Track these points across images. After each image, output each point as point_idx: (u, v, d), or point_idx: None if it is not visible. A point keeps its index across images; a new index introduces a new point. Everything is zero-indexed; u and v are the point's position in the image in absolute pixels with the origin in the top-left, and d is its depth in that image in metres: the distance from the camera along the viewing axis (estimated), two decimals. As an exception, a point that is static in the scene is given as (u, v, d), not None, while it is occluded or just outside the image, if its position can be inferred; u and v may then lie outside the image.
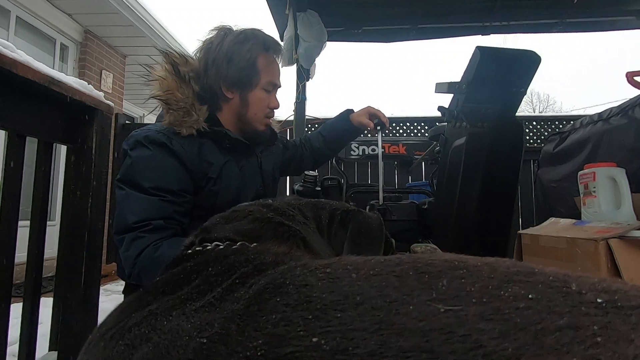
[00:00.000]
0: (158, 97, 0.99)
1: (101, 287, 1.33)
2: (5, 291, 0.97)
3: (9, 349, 0.97)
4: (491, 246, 1.47)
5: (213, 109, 1.05)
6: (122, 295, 1.10)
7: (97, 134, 1.23)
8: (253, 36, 1.06)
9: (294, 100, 2.92)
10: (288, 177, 3.43)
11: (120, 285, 2.81)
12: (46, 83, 1.00)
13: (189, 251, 0.49)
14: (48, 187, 1.17)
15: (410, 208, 1.78)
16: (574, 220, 1.14)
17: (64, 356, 1.14)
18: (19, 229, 1.01)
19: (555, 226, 1.17)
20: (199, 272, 0.42)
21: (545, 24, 3.07)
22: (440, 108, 1.55)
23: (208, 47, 1.05)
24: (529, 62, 1.43)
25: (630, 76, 1.38)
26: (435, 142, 1.88)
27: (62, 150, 1.76)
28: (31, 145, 1.05)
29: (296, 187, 1.99)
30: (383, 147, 2.08)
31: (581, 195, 1.18)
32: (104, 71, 4.26)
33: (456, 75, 1.49)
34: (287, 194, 3.42)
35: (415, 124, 4.26)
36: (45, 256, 1.14)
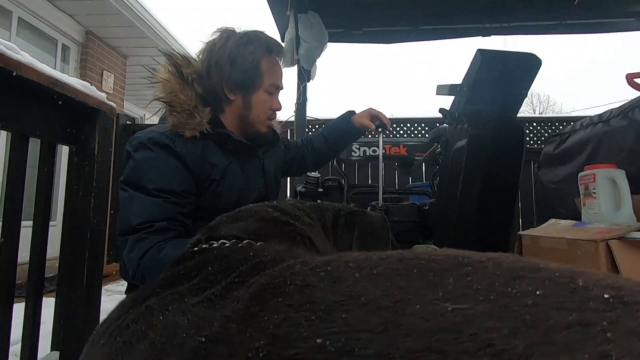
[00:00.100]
0: (161, 100, 0.99)
1: (103, 288, 1.33)
2: (8, 291, 0.97)
3: (11, 349, 0.98)
4: (492, 247, 1.46)
5: (216, 110, 1.06)
6: (125, 296, 1.10)
7: (100, 135, 1.24)
8: (256, 38, 1.06)
9: (295, 101, 2.93)
10: (289, 178, 3.44)
11: (121, 285, 2.82)
12: (50, 84, 1.00)
13: (195, 249, 0.50)
14: (51, 187, 1.18)
15: (411, 209, 1.78)
16: (574, 222, 1.14)
17: (66, 356, 1.14)
18: (21, 229, 1.02)
19: (556, 227, 1.17)
20: (200, 269, 0.43)
21: (546, 25, 3.07)
22: (441, 110, 1.55)
23: (211, 48, 1.05)
24: (529, 65, 1.44)
25: (630, 78, 1.39)
26: (436, 144, 1.88)
27: (64, 151, 1.76)
28: (34, 146, 1.06)
29: (298, 188, 1.99)
30: (384, 148, 2.08)
31: (581, 197, 1.18)
32: (105, 72, 4.27)
33: (457, 77, 1.50)
34: (289, 194, 3.42)
35: (416, 125, 4.26)
36: (48, 256, 1.14)
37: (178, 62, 1.02)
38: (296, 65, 2.83)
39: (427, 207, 1.76)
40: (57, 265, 1.22)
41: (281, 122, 1.36)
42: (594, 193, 1.12)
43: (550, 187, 1.68)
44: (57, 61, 3.85)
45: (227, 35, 1.06)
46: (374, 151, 2.26)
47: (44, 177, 1.14)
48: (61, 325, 1.18)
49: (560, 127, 4.08)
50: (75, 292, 1.18)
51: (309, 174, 1.88)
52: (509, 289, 0.27)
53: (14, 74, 0.88)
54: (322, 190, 1.97)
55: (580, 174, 1.20)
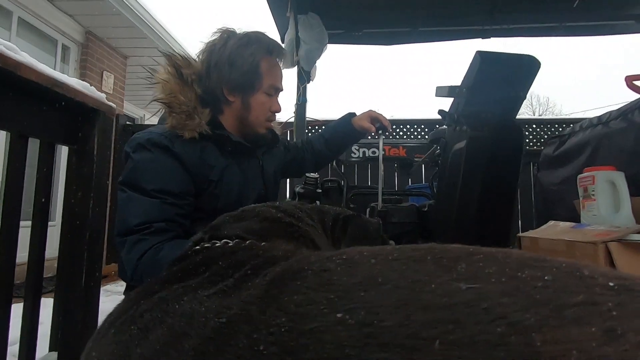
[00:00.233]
0: (161, 101, 0.99)
1: (101, 288, 1.33)
2: (6, 291, 0.97)
3: (9, 349, 0.98)
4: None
5: (215, 111, 1.05)
6: (124, 297, 1.10)
7: (99, 135, 1.24)
8: (256, 39, 1.06)
9: (295, 102, 2.93)
10: (289, 179, 3.44)
11: (120, 285, 2.81)
12: (49, 85, 1.00)
13: (197, 247, 0.50)
14: (49, 187, 1.17)
15: (410, 210, 1.78)
16: (573, 223, 1.14)
17: (64, 357, 1.14)
18: (20, 229, 1.01)
19: (555, 229, 1.17)
20: (208, 265, 0.43)
21: (545, 27, 3.08)
22: (440, 111, 1.55)
23: (211, 49, 1.05)
24: (529, 67, 1.44)
25: (629, 80, 1.39)
26: (435, 146, 1.88)
27: (63, 151, 1.76)
28: (33, 146, 1.06)
29: (297, 189, 1.99)
30: (383, 150, 2.08)
31: (580, 199, 1.18)
32: (105, 72, 4.27)
33: (456, 79, 1.50)
34: (288, 196, 3.42)
35: (416, 126, 4.27)
36: (47, 256, 1.14)
37: (178, 62, 1.02)
38: (296, 67, 2.83)
39: (426, 209, 1.76)
40: (55, 265, 1.21)
41: (281, 123, 1.36)
42: (593, 195, 1.12)
43: (549, 188, 1.69)
44: (57, 61, 3.85)
45: (227, 36, 1.06)
46: (374, 152, 2.26)
47: (43, 177, 1.14)
48: (60, 325, 1.17)
49: (560, 129, 4.08)
50: (74, 293, 1.17)
51: (307, 174, 1.88)
52: (519, 273, 0.28)
53: (13, 72, 0.88)
54: (320, 191, 1.97)
55: (580, 176, 1.20)
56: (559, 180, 1.61)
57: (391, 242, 0.74)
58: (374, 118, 1.36)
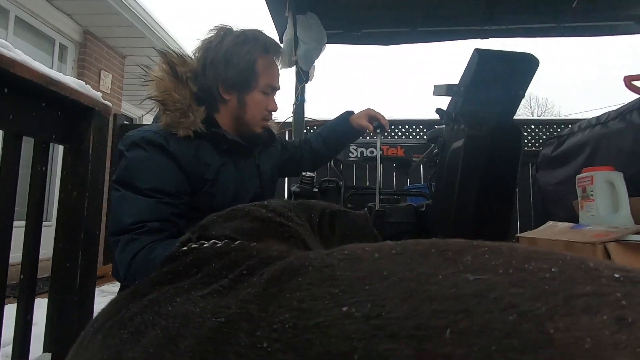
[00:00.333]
0: (154, 98, 0.98)
1: (98, 288, 1.32)
2: (0, 292, 0.96)
3: (2, 350, 0.97)
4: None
5: (210, 109, 1.04)
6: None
7: (95, 134, 1.23)
8: (253, 37, 1.05)
9: (293, 102, 2.92)
10: (286, 178, 3.43)
11: (116, 286, 2.80)
12: (44, 83, 0.99)
13: (184, 248, 0.48)
14: (44, 187, 1.16)
15: (408, 210, 1.77)
16: (571, 224, 1.14)
17: (59, 358, 1.13)
18: (14, 229, 1.00)
19: (553, 229, 1.17)
20: (200, 266, 0.42)
21: (544, 28, 3.08)
22: (438, 110, 1.55)
23: (207, 47, 1.04)
24: (527, 65, 1.43)
25: (628, 80, 1.38)
26: (433, 145, 1.88)
27: (59, 150, 1.75)
28: (28, 145, 1.05)
29: (293, 188, 1.98)
30: (381, 149, 2.08)
31: (579, 199, 1.18)
32: (102, 71, 4.25)
33: (455, 79, 1.50)
34: (285, 195, 3.42)
35: (414, 126, 4.27)
36: (41, 257, 1.13)
37: (173, 60, 1.01)
38: (294, 66, 2.83)
39: (424, 209, 1.75)
40: (50, 265, 1.20)
41: (279, 122, 1.35)
42: (592, 195, 1.12)
43: (548, 189, 1.68)
44: (55, 60, 3.84)
45: (223, 33, 1.05)
46: (372, 152, 2.26)
47: (37, 177, 1.13)
48: (54, 326, 1.16)
49: (559, 130, 4.08)
50: (69, 293, 1.16)
51: (303, 173, 1.88)
52: (526, 265, 0.28)
53: (6, 69, 0.87)
54: (317, 190, 1.97)
55: (578, 176, 1.19)
56: (558, 181, 1.61)
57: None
58: (372, 116, 1.36)
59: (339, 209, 0.65)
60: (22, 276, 1.08)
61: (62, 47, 3.93)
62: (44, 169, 1.14)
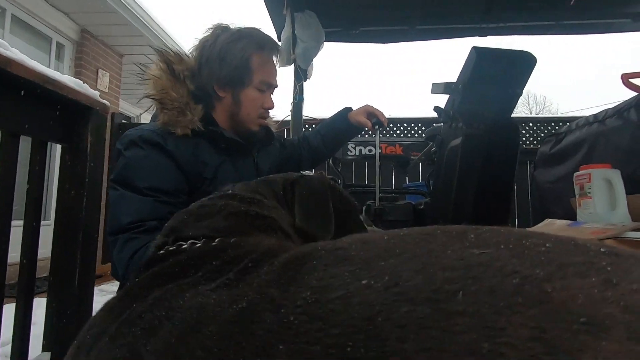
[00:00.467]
0: (152, 97, 0.98)
1: (96, 288, 1.32)
2: (-2, 291, 0.96)
3: (1, 350, 0.97)
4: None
5: (207, 108, 1.04)
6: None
7: (92, 133, 1.23)
8: (248, 35, 1.05)
9: (292, 101, 2.91)
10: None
11: (115, 285, 2.80)
12: (41, 82, 0.99)
13: (162, 252, 0.47)
14: (42, 186, 1.16)
15: (406, 208, 1.78)
16: (569, 221, 1.14)
17: (58, 357, 1.13)
18: (13, 228, 1.00)
19: (551, 227, 1.17)
20: (198, 266, 0.41)
21: (542, 25, 3.07)
22: (436, 108, 1.55)
23: (203, 45, 1.04)
24: (524, 62, 1.44)
25: (625, 78, 1.39)
26: (431, 143, 1.88)
27: (57, 150, 1.75)
28: (26, 144, 1.04)
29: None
30: (380, 147, 2.08)
31: (577, 197, 1.18)
32: (100, 70, 4.24)
33: (452, 77, 1.50)
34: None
35: (412, 124, 4.26)
36: (40, 256, 1.13)
37: (170, 58, 1.01)
38: (293, 65, 2.82)
39: (422, 207, 1.75)
40: (49, 265, 1.20)
41: (277, 121, 1.35)
42: (589, 193, 1.12)
43: (546, 187, 1.68)
44: (52, 59, 3.82)
45: (219, 31, 1.05)
46: (370, 150, 2.26)
47: (35, 176, 1.13)
48: (53, 326, 1.16)
49: (557, 128, 4.09)
50: (68, 293, 1.16)
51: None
52: (523, 242, 0.31)
53: (3, 68, 0.87)
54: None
55: (576, 174, 1.19)
56: (555, 179, 1.61)
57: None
58: (370, 113, 1.35)
59: (299, 176, 0.65)
60: (20, 276, 1.08)
61: (59, 46, 3.92)
62: (41, 168, 1.14)
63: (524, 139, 4.26)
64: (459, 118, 1.44)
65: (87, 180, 1.20)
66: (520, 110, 19.04)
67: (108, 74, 4.37)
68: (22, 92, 0.99)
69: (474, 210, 1.45)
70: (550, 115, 17.29)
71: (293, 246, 0.45)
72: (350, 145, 2.31)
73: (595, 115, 1.50)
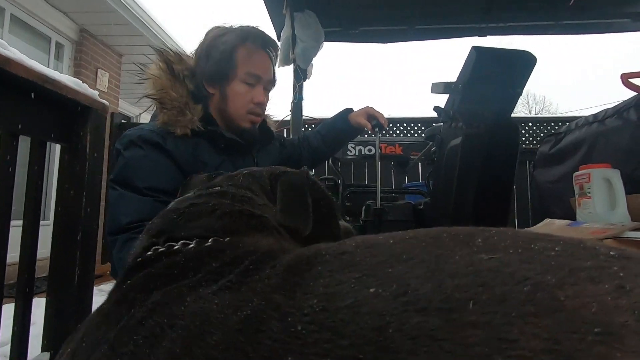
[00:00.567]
0: (151, 96, 0.98)
1: (96, 288, 1.32)
2: (-3, 291, 0.96)
3: (0, 350, 0.97)
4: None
5: (205, 107, 1.04)
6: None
7: (92, 132, 1.22)
8: (234, 29, 1.03)
9: (291, 100, 2.91)
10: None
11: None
12: (40, 81, 0.99)
13: (149, 253, 0.46)
14: (41, 186, 1.16)
15: (406, 208, 1.78)
16: (569, 221, 1.14)
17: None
18: (12, 228, 1.00)
19: (551, 227, 1.17)
20: (196, 267, 0.40)
21: (541, 25, 3.08)
22: (436, 108, 1.55)
23: (198, 44, 1.05)
24: (524, 62, 1.44)
25: (625, 78, 1.39)
26: (431, 143, 1.88)
27: (56, 149, 1.75)
28: (25, 144, 1.04)
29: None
30: (380, 148, 2.08)
31: (576, 196, 1.18)
32: (99, 70, 4.24)
33: (452, 76, 1.50)
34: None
35: (412, 124, 4.27)
36: (39, 256, 1.13)
37: (169, 58, 1.01)
38: (292, 64, 2.82)
39: (422, 207, 1.75)
40: (48, 265, 1.20)
41: (277, 121, 1.34)
42: (589, 193, 1.12)
43: (545, 186, 1.68)
44: (51, 59, 3.82)
45: (212, 30, 1.05)
46: (370, 150, 2.26)
47: (34, 176, 1.12)
48: (52, 326, 1.16)
49: (556, 127, 4.09)
50: (67, 292, 1.16)
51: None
52: (532, 245, 0.30)
53: (1, 68, 0.87)
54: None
55: (575, 173, 1.19)
56: (555, 178, 1.61)
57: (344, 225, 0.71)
58: (370, 115, 1.35)
59: (279, 171, 0.64)
60: (19, 276, 1.08)
61: (59, 46, 3.91)
62: (40, 168, 1.14)
63: (523, 138, 4.26)
64: (458, 118, 1.44)
65: (86, 180, 1.20)
66: (520, 110, 19.07)
67: (107, 74, 4.37)
68: (22, 92, 0.99)
69: (473, 210, 1.45)
70: (550, 115, 17.30)
71: (292, 247, 0.45)
72: (350, 145, 2.31)
73: (594, 115, 1.50)
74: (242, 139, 1.08)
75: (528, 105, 21.29)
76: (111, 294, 0.43)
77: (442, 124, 1.62)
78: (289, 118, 2.95)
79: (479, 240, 0.32)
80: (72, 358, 0.37)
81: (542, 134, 4.24)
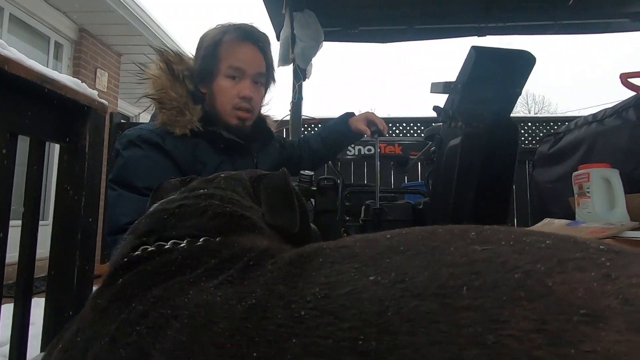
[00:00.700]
0: (151, 96, 0.98)
1: (95, 288, 1.32)
2: (-4, 291, 0.96)
3: (0, 350, 0.96)
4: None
5: (204, 107, 1.04)
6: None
7: (91, 132, 1.23)
8: (222, 26, 1.03)
9: (291, 100, 2.91)
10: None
11: (114, 285, 2.79)
12: (39, 81, 0.99)
13: (137, 253, 0.45)
14: (40, 186, 1.16)
15: (405, 208, 1.78)
16: (568, 221, 1.14)
17: (56, 357, 1.13)
18: (11, 228, 1.00)
19: (550, 226, 1.17)
20: (194, 264, 0.40)
21: (541, 25, 3.08)
22: (435, 108, 1.55)
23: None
24: (524, 62, 1.43)
25: (624, 78, 1.39)
26: (430, 143, 1.88)
27: (55, 149, 1.75)
28: (24, 144, 1.04)
29: (292, 186, 1.97)
30: (379, 147, 2.08)
31: (575, 196, 1.18)
32: (98, 70, 4.23)
33: (451, 76, 1.49)
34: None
35: (411, 124, 4.27)
36: (38, 256, 1.13)
37: (169, 58, 1.01)
38: (292, 64, 2.82)
39: (421, 206, 1.75)
40: (47, 265, 1.20)
41: (277, 121, 1.34)
42: (588, 192, 1.12)
43: (544, 186, 1.69)
44: (50, 59, 3.82)
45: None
46: (369, 150, 2.26)
47: (33, 175, 1.12)
48: (52, 326, 1.16)
49: (555, 127, 4.10)
50: (66, 293, 1.16)
51: (302, 172, 1.87)
52: (524, 239, 0.32)
53: (1, 68, 0.87)
54: (315, 188, 1.96)
55: (575, 173, 1.19)
56: (554, 178, 1.61)
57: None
58: (370, 121, 1.36)
59: (258, 174, 0.64)
60: (19, 276, 1.08)
61: (58, 45, 3.91)
62: (40, 168, 1.14)
63: (522, 138, 4.26)
64: (458, 117, 1.44)
65: (85, 179, 1.20)
66: (519, 110, 19.09)
67: (106, 74, 4.36)
68: (21, 92, 0.99)
69: (473, 210, 1.45)
70: (549, 115, 17.33)
71: (289, 247, 0.45)
72: (350, 145, 2.30)
73: (594, 115, 1.50)
74: (242, 140, 1.07)
75: (527, 105, 21.31)
76: (100, 292, 0.43)
77: (441, 123, 1.61)
78: (288, 118, 2.95)
79: (473, 234, 0.34)
80: (66, 353, 0.37)
81: (541, 134, 4.24)
